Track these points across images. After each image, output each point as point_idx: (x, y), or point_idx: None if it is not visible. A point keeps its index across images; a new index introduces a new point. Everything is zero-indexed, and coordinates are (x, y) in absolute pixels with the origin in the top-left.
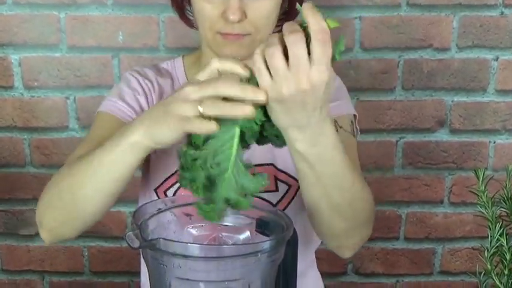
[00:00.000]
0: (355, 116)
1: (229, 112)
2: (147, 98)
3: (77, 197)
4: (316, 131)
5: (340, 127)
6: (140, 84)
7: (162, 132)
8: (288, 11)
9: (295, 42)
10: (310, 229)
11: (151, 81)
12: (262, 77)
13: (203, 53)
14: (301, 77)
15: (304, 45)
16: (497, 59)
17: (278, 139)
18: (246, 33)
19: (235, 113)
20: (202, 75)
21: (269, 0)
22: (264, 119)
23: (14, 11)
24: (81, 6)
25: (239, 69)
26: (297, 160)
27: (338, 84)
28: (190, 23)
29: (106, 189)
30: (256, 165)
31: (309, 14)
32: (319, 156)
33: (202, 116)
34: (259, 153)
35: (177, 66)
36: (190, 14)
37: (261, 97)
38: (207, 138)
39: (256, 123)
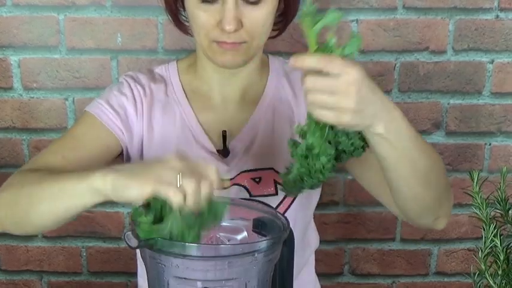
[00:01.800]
0: None
1: (196, 201)
2: (135, 104)
3: (33, 209)
4: (385, 109)
5: None
6: (131, 89)
7: (130, 187)
8: (284, 12)
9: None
10: (310, 230)
11: (143, 87)
12: (324, 112)
13: (198, 58)
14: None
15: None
16: (492, 62)
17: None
18: (241, 41)
19: (197, 204)
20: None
21: (264, 7)
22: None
23: (13, 12)
24: (80, 8)
25: None
26: (380, 146)
27: None
28: (185, 29)
29: (59, 213)
30: (256, 170)
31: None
32: (396, 131)
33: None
34: (259, 157)
35: (171, 71)
36: (185, 19)
37: (226, 185)
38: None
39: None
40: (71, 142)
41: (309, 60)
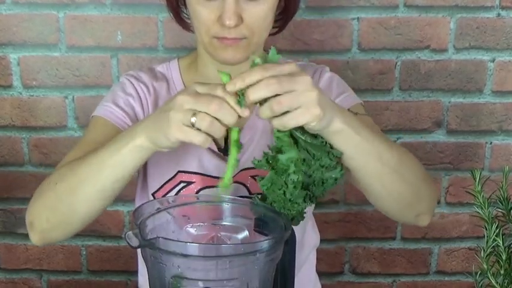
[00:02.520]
0: (362, 103)
1: (217, 134)
2: (141, 102)
3: (77, 198)
4: (336, 106)
5: (356, 113)
6: (135, 88)
7: (161, 138)
8: (285, 10)
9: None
10: (309, 229)
11: (146, 85)
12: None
13: (199, 55)
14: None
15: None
16: (493, 60)
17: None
18: (242, 37)
19: (219, 135)
20: (200, 88)
21: (265, 3)
22: None
23: (13, 10)
24: (80, 6)
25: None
26: (345, 144)
27: (338, 79)
28: (186, 26)
29: (107, 189)
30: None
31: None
32: (355, 124)
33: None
34: (259, 155)
35: (172, 69)
36: (186, 16)
37: (246, 113)
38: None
39: None
40: (87, 147)
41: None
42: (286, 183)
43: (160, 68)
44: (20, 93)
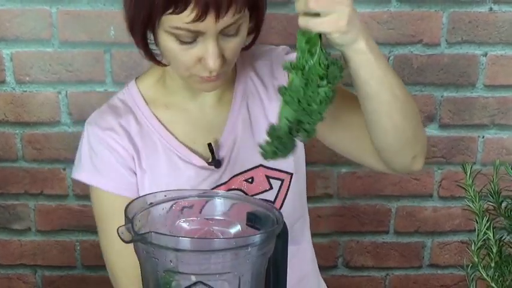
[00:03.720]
0: None
1: None
2: (119, 153)
3: None
4: (363, 26)
5: None
6: (106, 142)
7: None
8: (255, 26)
9: None
10: (306, 209)
11: (113, 130)
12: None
13: (168, 75)
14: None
15: None
16: (486, 54)
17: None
18: (222, 71)
19: None
20: None
21: (240, 35)
22: None
23: (5, 5)
24: (72, 1)
25: None
26: (364, 66)
27: None
28: (159, 62)
29: None
30: (246, 171)
31: None
32: (376, 50)
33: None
34: (247, 158)
35: (133, 94)
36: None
37: None
38: None
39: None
40: (109, 229)
41: None
42: (316, 91)
43: (120, 96)
44: (13, 88)
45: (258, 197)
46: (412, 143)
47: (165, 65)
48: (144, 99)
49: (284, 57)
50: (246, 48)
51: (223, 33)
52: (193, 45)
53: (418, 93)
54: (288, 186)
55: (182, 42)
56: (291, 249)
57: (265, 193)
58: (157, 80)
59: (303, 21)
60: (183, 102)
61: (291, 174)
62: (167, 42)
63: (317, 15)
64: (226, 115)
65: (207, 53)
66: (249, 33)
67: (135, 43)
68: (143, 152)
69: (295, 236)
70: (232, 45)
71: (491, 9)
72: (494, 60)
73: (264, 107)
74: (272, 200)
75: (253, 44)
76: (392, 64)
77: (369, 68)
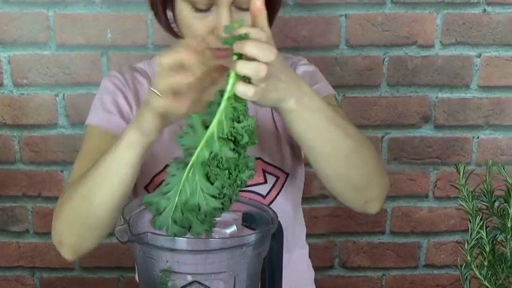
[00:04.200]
0: (335, 95)
1: (180, 80)
2: (124, 95)
3: (92, 206)
4: (296, 84)
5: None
6: (116, 85)
7: (143, 121)
8: (268, 11)
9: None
10: (299, 214)
11: (126, 80)
12: (245, 65)
13: None
14: (268, 53)
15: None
16: (480, 55)
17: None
18: None
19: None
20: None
21: None
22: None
23: (3, 9)
24: (69, 4)
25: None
26: (295, 124)
27: (313, 70)
28: (175, 34)
29: (116, 191)
30: None
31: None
32: (309, 107)
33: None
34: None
35: (153, 65)
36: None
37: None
38: None
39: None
40: (89, 156)
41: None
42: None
43: (141, 65)
44: (11, 91)
45: (250, 189)
46: (361, 190)
47: (181, 37)
48: None
49: (298, 67)
50: None
51: (236, 5)
52: (208, 14)
53: (413, 94)
54: (282, 185)
55: (197, 10)
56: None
57: (258, 186)
58: None
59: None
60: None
61: (287, 174)
62: (183, 11)
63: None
64: None
65: (219, 21)
66: None
67: (156, 16)
68: None
69: (287, 243)
70: (247, 21)
71: (484, 10)
72: (488, 61)
73: (271, 110)
74: (264, 194)
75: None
76: (387, 66)
77: (300, 125)
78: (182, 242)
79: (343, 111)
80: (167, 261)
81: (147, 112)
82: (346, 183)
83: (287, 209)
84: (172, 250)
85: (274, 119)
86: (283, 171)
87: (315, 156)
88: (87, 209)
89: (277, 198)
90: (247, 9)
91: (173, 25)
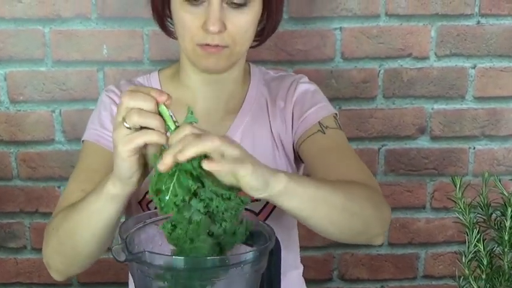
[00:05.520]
0: (336, 114)
1: (153, 123)
2: None
3: (76, 243)
4: (271, 170)
5: (326, 127)
6: (113, 100)
7: (119, 167)
8: (266, 24)
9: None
10: (293, 233)
11: None
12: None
13: (182, 66)
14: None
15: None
16: (474, 67)
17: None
18: (224, 45)
19: (156, 123)
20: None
21: (248, 13)
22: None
23: None
24: (65, 20)
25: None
26: (291, 208)
27: (315, 89)
28: (170, 33)
29: (101, 233)
30: None
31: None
32: (301, 190)
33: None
34: None
35: (152, 81)
36: (171, 25)
37: (164, 98)
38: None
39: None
40: (84, 175)
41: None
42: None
43: (140, 80)
44: (7, 108)
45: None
46: (363, 232)
47: (175, 38)
48: (161, 85)
49: (300, 85)
50: (253, 46)
51: (228, 2)
52: (199, 8)
53: (409, 106)
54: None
55: (189, 3)
56: None
57: (251, 203)
58: (174, 73)
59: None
60: (192, 101)
61: None
62: (176, 3)
63: None
64: (229, 123)
65: (209, 17)
66: (258, 34)
67: (152, 13)
68: None
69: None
70: (237, 19)
71: (478, 22)
72: (483, 72)
73: (269, 123)
74: (257, 212)
75: (262, 43)
76: (383, 78)
77: (296, 200)
78: (180, 261)
79: (343, 134)
80: (165, 280)
81: (121, 155)
82: (349, 231)
83: (281, 226)
84: (170, 269)
85: (273, 137)
86: None
87: (315, 221)
88: (72, 244)
89: (270, 216)
90: (238, 7)
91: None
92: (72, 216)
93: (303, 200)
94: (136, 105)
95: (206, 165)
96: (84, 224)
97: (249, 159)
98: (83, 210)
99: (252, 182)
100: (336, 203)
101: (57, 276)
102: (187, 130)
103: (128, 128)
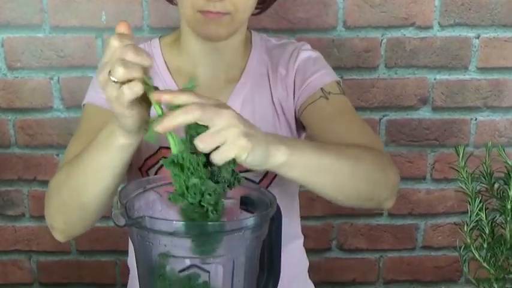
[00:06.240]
0: (339, 81)
1: (134, 74)
2: None
3: (81, 200)
4: (286, 146)
5: (329, 93)
6: None
7: (124, 123)
8: None
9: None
10: (294, 205)
11: None
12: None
13: (182, 33)
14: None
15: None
16: (478, 37)
17: None
18: (226, 11)
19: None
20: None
21: None
22: None
23: None
24: None
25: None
26: (295, 178)
27: (317, 56)
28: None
29: (109, 186)
30: None
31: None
32: (300, 154)
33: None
34: None
35: (153, 47)
36: None
37: (146, 62)
38: None
39: None
40: (85, 136)
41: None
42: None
43: (141, 46)
44: (5, 74)
45: (242, 175)
46: (373, 197)
47: (176, 4)
48: (162, 51)
49: (302, 52)
50: (255, 14)
51: None
52: None
53: (411, 76)
54: (276, 174)
55: None
56: None
57: (250, 173)
58: (175, 40)
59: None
60: (193, 68)
61: None
62: None
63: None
64: (230, 91)
65: None
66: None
67: None
68: None
69: None
70: None
71: None
72: (486, 42)
73: (270, 90)
74: (256, 182)
75: (264, 10)
76: (385, 47)
77: (300, 170)
78: (180, 226)
79: (347, 99)
80: (165, 245)
81: (121, 118)
82: (357, 197)
83: (282, 196)
84: (170, 234)
85: (274, 105)
86: None
87: (320, 189)
88: (78, 201)
89: (270, 186)
90: None
91: None
92: (76, 173)
93: (306, 170)
94: (123, 54)
95: (199, 142)
96: (92, 179)
97: (247, 137)
98: (89, 165)
99: (250, 162)
100: (342, 170)
101: (60, 237)
102: (192, 97)
103: (115, 82)
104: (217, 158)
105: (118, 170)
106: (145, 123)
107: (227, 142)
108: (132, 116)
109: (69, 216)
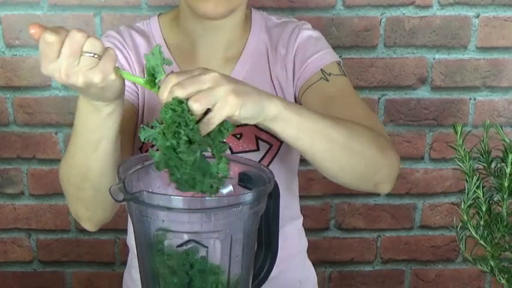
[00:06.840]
0: (339, 62)
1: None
2: (124, 55)
3: (90, 180)
4: (264, 93)
5: (329, 74)
6: (115, 45)
7: (103, 95)
8: None
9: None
10: (293, 185)
11: (125, 40)
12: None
13: (181, 11)
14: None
15: None
16: (478, 16)
17: None
18: None
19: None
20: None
21: None
22: None
23: None
24: None
25: None
26: (285, 130)
27: (318, 35)
28: None
29: (107, 157)
30: (239, 126)
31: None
32: (295, 112)
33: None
34: None
35: (152, 25)
36: None
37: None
38: None
39: None
40: None
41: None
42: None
43: (140, 25)
44: (3, 52)
45: (241, 155)
46: (368, 176)
47: None
48: (161, 30)
49: (302, 31)
50: None
51: None
52: None
53: (410, 56)
54: (275, 154)
55: None
56: None
57: (250, 153)
58: (173, 18)
59: (205, 126)
60: (192, 47)
61: (281, 142)
62: None
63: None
64: (230, 70)
65: None
66: None
67: None
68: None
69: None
70: None
71: None
72: (486, 21)
73: (269, 70)
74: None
75: None
76: (385, 26)
77: (293, 127)
78: (178, 201)
79: (348, 80)
80: (163, 220)
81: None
82: (351, 173)
83: (280, 177)
84: (168, 209)
85: (273, 84)
86: (277, 139)
87: (315, 154)
88: (86, 183)
89: (269, 167)
90: None
91: None
92: (75, 156)
93: (299, 130)
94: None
95: (193, 102)
96: (91, 155)
97: (235, 94)
98: (85, 144)
99: (244, 115)
100: (337, 139)
101: (89, 226)
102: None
103: (94, 56)
104: (212, 120)
105: (112, 137)
106: (120, 89)
107: (218, 101)
108: (114, 82)
109: (86, 201)
